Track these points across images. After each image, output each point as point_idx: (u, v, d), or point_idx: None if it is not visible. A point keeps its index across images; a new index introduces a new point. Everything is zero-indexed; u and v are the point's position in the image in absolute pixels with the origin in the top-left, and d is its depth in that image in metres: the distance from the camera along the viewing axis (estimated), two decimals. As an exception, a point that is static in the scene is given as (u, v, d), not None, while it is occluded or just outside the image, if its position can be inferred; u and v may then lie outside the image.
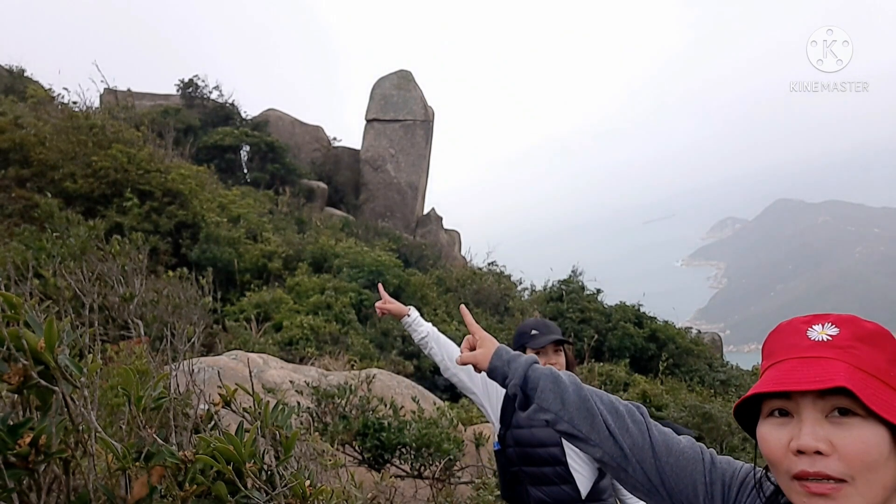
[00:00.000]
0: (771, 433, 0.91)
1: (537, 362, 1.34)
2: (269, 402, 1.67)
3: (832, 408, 0.86)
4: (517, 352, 1.39)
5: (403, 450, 4.46)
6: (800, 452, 0.86)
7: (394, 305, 2.60)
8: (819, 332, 0.93)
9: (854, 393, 0.83)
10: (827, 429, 0.85)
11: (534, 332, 2.49)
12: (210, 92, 21.79)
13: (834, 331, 0.93)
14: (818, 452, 0.84)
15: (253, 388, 1.72)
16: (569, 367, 2.56)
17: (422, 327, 2.58)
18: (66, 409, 1.34)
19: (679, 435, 1.19)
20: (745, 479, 1.07)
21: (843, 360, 0.88)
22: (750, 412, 0.97)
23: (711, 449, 1.15)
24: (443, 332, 2.63)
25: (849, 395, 0.84)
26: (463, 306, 1.69)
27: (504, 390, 1.41)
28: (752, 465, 1.07)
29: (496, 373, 1.36)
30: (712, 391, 10.31)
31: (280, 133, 21.60)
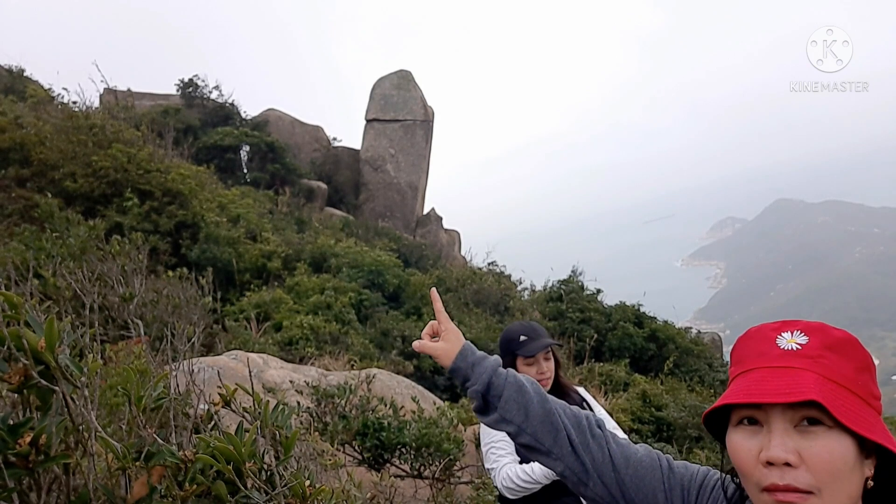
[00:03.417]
0: (741, 443, 0.91)
1: (501, 366, 1.29)
2: (268, 401, 1.67)
3: (801, 418, 0.87)
4: (482, 353, 1.32)
5: (403, 450, 4.45)
6: (769, 464, 0.86)
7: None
8: (788, 341, 0.94)
9: (824, 406, 0.84)
10: (796, 439, 0.86)
11: (522, 338, 2.42)
12: (210, 92, 21.77)
13: (803, 339, 0.93)
14: (787, 464, 0.85)
15: (253, 388, 1.72)
16: (557, 368, 2.54)
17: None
18: (66, 409, 1.34)
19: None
20: (703, 482, 1.08)
21: (813, 371, 0.89)
22: (719, 418, 0.98)
23: (668, 455, 1.16)
24: None
25: (819, 406, 0.84)
26: (433, 290, 1.48)
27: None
28: (708, 468, 1.09)
29: (458, 373, 1.31)
30: (712, 391, 10.31)
31: (280, 133, 21.60)
